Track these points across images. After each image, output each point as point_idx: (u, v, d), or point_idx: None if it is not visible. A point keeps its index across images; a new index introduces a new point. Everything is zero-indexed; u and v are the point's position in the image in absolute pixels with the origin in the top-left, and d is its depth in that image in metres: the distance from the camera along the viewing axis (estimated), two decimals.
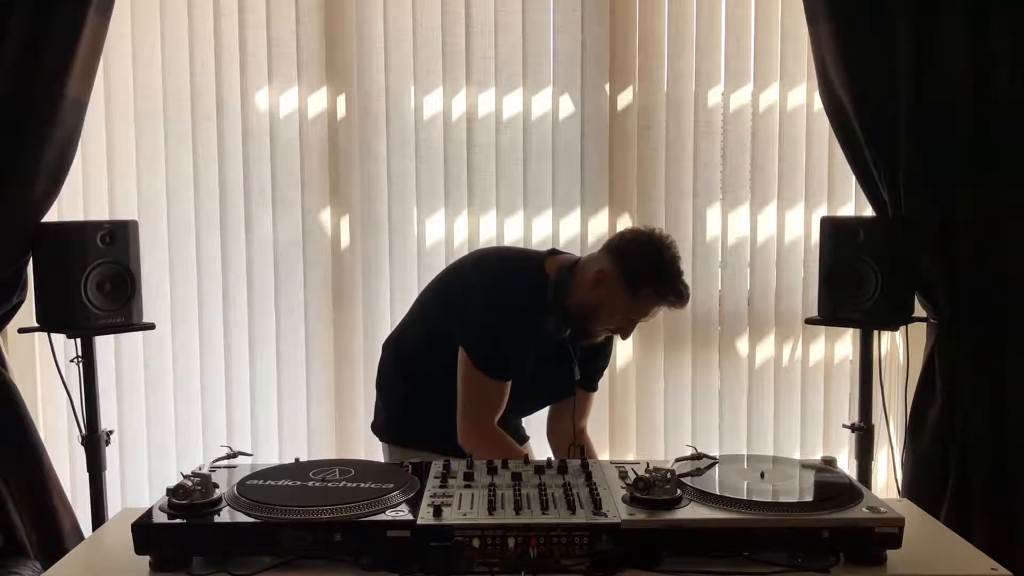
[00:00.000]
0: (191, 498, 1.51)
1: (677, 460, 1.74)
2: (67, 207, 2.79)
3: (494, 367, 2.08)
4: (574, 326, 2.10)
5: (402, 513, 1.47)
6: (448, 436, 2.10)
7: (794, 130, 2.89)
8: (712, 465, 1.71)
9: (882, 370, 2.64)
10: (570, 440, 2.20)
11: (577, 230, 2.92)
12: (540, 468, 1.71)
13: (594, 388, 2.40)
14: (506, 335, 2.07)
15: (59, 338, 2.39)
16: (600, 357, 2.37)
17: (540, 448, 2.51)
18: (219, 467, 1.74)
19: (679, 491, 1.53)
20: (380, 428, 2.34)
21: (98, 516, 2.40)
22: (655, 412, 2.97)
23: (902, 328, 2.53)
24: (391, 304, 2.93)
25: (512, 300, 2.10)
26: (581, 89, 2.88)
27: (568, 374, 2.16)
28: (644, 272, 2.07)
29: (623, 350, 2.94)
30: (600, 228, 2.92)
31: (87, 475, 2.41)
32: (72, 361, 2.38)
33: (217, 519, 1.49)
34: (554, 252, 2.25)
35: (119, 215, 2.82)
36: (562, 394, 2.29)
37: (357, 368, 2.96)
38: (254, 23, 2.86)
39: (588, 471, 1.69)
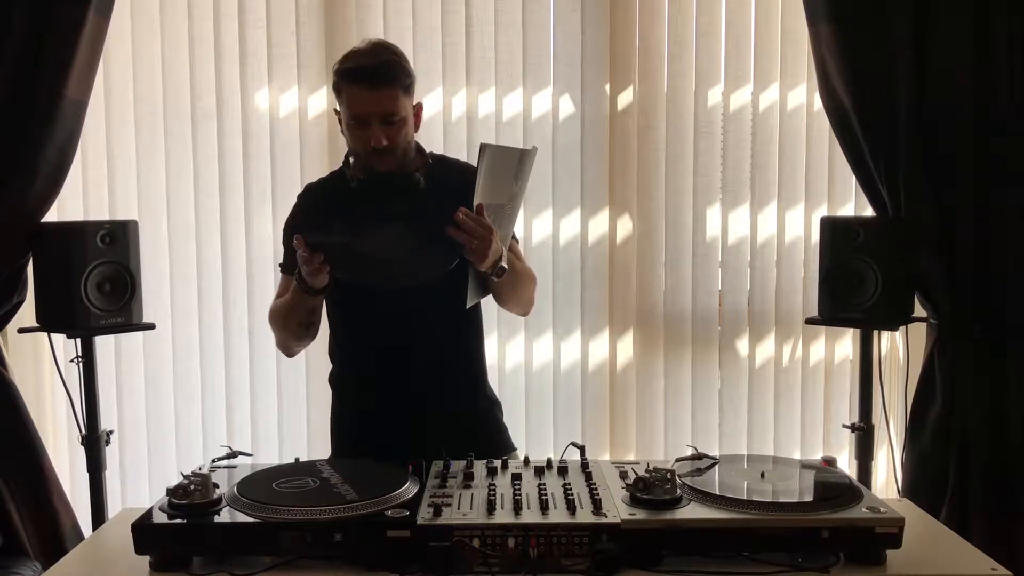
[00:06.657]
0: (191, 498, 1.51)
1: (677, 460, 1.74)
2: (67, 207, 2.79)
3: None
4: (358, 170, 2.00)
5: (402, 513, 1.47)
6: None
7: (794, 130, 2.89)
8: (712, 465, 1.71)
9: (882, 370, 2.65)
10: None
11: (577, 230, 2.91)
12: (540, 469, 1.71)
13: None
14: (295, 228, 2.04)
15: (59, 338, 2.39)
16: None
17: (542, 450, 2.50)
18: (219, 467, 1.74)
19: (679, 491, 1.53)
20: None
21: (98, 516, 2.40)
22: (655, 412, 2.97)
23: (902, 328, 2.53)
24: None
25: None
26: (581, 89, 2.88)
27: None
28: (335, 71, 1.94)
29: (623, 350, 2.95)
30: (600, 228, 2.92)
31: (87, 475, 2.41)
32: (72, 361, 2.39)
33: (217, 519, 1.49)
34: None
35: (119, 215, 2.82)
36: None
37: None
38: (254, 23, 2.85)
39: (588, 471, 1.69)
